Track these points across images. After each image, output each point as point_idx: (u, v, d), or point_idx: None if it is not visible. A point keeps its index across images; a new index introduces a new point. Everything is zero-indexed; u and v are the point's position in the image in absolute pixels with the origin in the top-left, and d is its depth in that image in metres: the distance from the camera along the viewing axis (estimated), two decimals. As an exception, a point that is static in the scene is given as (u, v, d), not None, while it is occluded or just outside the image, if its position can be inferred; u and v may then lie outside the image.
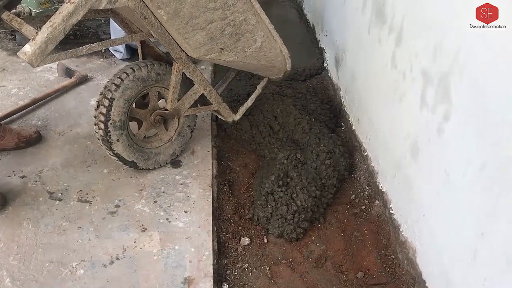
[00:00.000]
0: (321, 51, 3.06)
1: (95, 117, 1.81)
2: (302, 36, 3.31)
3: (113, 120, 1.78)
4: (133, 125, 2.00)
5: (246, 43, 1.77)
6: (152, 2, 1.49)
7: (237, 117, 2.12)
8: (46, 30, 1.38)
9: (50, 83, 2.60)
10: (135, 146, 1.92)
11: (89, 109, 2.41)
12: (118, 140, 1.83)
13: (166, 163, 2.07)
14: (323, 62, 2.98)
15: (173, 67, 1.78)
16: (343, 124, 2.52)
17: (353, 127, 2.38)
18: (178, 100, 1.91)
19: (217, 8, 1.59)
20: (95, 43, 1.87)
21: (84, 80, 2.62)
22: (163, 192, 1.97)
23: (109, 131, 1.80)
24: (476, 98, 1.29)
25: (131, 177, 2.03)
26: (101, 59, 2.86)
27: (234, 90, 2.59)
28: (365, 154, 2.21)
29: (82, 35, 3.04)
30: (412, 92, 1.69)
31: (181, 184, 2.01)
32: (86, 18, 1.64)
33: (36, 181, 1.97)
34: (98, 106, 1.79)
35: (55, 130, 2.27)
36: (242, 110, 2.14)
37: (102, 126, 1.79)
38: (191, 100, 1.94)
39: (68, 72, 2.63)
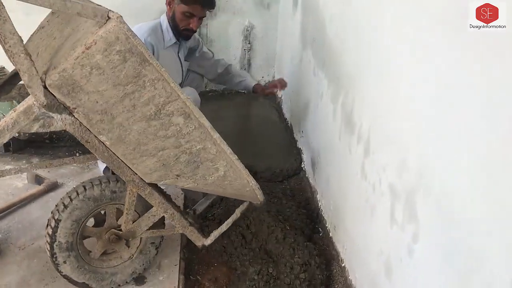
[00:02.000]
0: (299, 151, 3.03)
1: (45, 236, 1.72)
2: (281, 136, 3.31)
3: (59, 241, 1.68)
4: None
5: (206, 171, 1.63)
6: (92, 128, 1.41)
7: (207, 242, 1.91)
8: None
9: (18, 191, 2.52)
10: (87, 267, 1.79)
11: (55, 218, 2.31)
12: (65, 262, 1.72)
13: (126, 282, 1.92)
14: (301, 163, 2.95)
15: (127, 188, 1.69)
16: (320, 230, 2.42)
17: (330, 234, 2.28)
18: (133, 222, 1.79)
19: (169, 136, 1.48)
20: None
21: (54, 187, 2.55)
22: (123, 314, 1.81)
23: (55, 253, 1.69)
24: (442, 221, 1.21)
25: (90, 297, 1.88)
26: (74, 164, 2.80)
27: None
28: (343, 265, 2.08)
29: (58, 138, 3.02)
30: (382, 206, 1.62)
31: (143, 305, 1.86)
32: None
33: (-14, 305, 1.82)
34: (46, 225, 1.70)
35: (16, 243, 2.15)
36: (214, 235, 1.92)
37: (48, 247, 1.69)
38: (149, 223, 1.80)
39: (38, 179, 2.56)
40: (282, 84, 3.02)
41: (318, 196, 2.53)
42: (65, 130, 2.91)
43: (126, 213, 1.73)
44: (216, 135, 1.55)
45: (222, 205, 2.44)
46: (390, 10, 1.54)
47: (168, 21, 2.44)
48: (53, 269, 1.98)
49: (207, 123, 1.52)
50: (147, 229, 1.81)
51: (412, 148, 1.38)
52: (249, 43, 3.82)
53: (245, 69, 3.92)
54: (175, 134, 1.48)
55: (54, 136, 3.00)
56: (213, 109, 3.71)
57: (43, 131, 1.40)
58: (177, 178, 1.62)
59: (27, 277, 1.96)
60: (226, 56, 3.84)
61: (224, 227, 1.92)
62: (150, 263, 1.98)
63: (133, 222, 1.77)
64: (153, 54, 2.34)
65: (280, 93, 2.97)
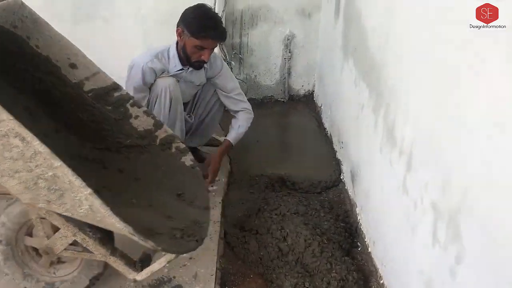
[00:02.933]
0: (338, 163, 2.99)
1: None
2: (320, 146, 3.28)
3: None
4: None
5: (73, 201, 1.45)
6: None
7: (138, 277, 1.74)
8: None
9: None
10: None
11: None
12: None
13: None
14: (340, 174, 2.90)
15: None
16: (359, 244, 2.36)
17: (369, 249, 2.23)
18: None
19: (15, 158, 1.36)
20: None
21: None
22: (159, 323, 1.83)
23: None
24: (489, 245, 1.16)
25: (128, 304, 1.91)
26: None
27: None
28: (381, 282, 2.02)
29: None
30: (423, 224, 1.57)
31: (179, 314, 1.87)
32: None
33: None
34: None
35: None
36: (146, 272, 1.74)
37: None
38: (63, 243, 1.70)
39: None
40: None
41: (357, 209, 2.48)
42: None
43: (36, 229, 1.71)
44: (57, 163, 1.37)
45: (259, 215, 2.44)
46: (434, 24, 1.50)
47: (179, 50, 2.44)
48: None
49: (43, 149, 1.35)
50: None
51: (457, 167, 1.33)
52: (289, 52, 3.81)
53: (285, 78, 3.91)
54: (20, 157, 1.36)
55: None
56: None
57: None
58: (49, 204, 1.49)
59: None
60: (266, 65, 3.86)
61: (157, 266, 1.73)
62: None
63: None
64: (153, 77, 2.39)
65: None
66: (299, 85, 4.01)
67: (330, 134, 3.30)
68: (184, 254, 2.15)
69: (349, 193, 2.68)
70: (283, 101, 4.01)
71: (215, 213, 2.49)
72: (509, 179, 1.07)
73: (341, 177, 2.88)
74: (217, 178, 2.79)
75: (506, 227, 1.09)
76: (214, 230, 2.35)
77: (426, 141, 1.56)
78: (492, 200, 1.14)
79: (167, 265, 1.90)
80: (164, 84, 2.42)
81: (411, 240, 1.69)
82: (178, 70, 2.48)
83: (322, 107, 3.67)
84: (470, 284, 1.25)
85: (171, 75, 2.45)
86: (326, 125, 3.47)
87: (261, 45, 3.81)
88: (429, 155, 1.53)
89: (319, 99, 3.81)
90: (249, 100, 3.94)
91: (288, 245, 2.18)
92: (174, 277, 2.05)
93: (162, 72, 2.42)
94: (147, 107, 2.50)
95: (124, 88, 2.08)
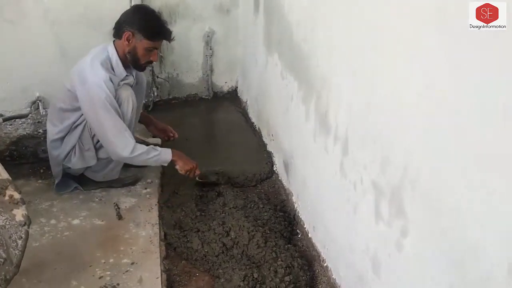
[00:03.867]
0: (270, 155, 3.04)
1: None
2: (249, 140, 3.32)
3: None
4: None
5: None
6: None
7: None
8: None
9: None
10: None
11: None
12: None
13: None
14: (273, 166, 2.96)
15: None
16: (298, 231, 2.43)
17: (309, 235, 2.30)
18: None
19: None
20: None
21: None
22: (108, 334, 1.75)
23: None
24: (431, 215, 1.25)
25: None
26: (40, 181, 2.69)
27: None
28: (325, 265, 2.10)
29: (20, 155, 2.89)
30: (365, 204, 1.65)
31: (128, 321, 1.80)
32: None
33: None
34: None
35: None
36: None
37: None
38: None
39: None
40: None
41: (293, 198, 2.55)
42: (26, 146, 2.79)
43: None
44: None
45: (198, 213, 2.42)
46: (367, 10, 1.57)
47: (121, 55, 2.37)
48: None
49: None
50: None
51: (395, 145, 1.41)
52: (210, 49, 3.80)
53: (207, 75, 3.89)
54: None
55: (15, 153, 2.86)
56: (177, 117, 3.67)
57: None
58: None
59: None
60: (188, 63, 3.82)
61: None
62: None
63: None
64: (115, 89, 2.31)
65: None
66: (223, 81, 4.01)
67: (259, 128, 3.35)
68: (125, 260, 2.09)
69: (284, 183, 2.74)
70: (208, 99, 3.98)
71: (153, 216, 2.44)
72: (446, 152, 1.16)
73: (274, 169, 2.94)
74: (149, 180, 2.73)
75: (445, 197, 1.18)
76: (153, 232, 2.30)
77: (362, 125, 1.64)
78: (432, 174, 1.23)
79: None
80: (127, 94, 2.37)
81: (353, 220, 1.77)
82: (124, 77, 2.41)
83: (247, 102, 3.71)
84: (416, 254, 1.34)
85: (125, 83, 2.40)
86: (254, 119, 3.51)
87: (181, 42, 3.74)
88: (366, 138, 1.61)
89: (244, 95, 3.84)
90: (173, 99, 3.92)
91: (232, 239, 2.19)
92: (118, 284, 1.98)
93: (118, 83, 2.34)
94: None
95: None
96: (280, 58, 2.68)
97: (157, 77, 3.66)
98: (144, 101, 2.91)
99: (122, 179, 2.65)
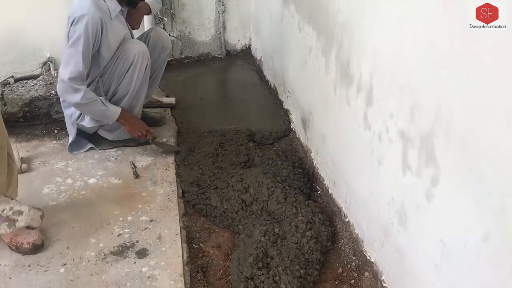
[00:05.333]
0: (286, 112, 2.97)
1: None
2: (265, 98, 3.24)
3: None
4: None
5: None
6: None
7: None
8: None
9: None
10: None
11: (42, 198, 2.19)
12: None
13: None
14: (290, 123, 2.88)
15: None
16: (318, 188, 2.38)
17: (330, 191, 2.25)
18: None
19: None
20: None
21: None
22: (129, 289, 1.74)
23: None
24: (467, 161, 1.18)
25: (92, 275, 1.80)
26: (54, 141, 2.66)
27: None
28: (346, 220, 2.06)
29: (33, 116, 2.85)
30: (391, 155, 1.58)
31: (149, 277, 1.78)
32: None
33: (-20, 292, 1.71)
34: None
35: (3, 226, 2.02)
36: None
37: None
38: None
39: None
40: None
41: (312, 154, 2.49)
42: (39, 107, 2.75)
43: None
44: None
45: (215, 171, 2.38)
46: None
47: None
48: (48, 249, 1.92)
49: None
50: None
51: (427, 89, 1.33)
52: (223, 5, 3.68)
53: (220, 33, 3.78)
54: None
55: (28, 114, 2.82)
56: (190, 76, 3.61)
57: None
58: None
59: (20, 260, 1.85)
60: (199, 20, 3.72)
61: None
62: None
63: None
64: (102, 28, 2.19)
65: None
66: (236, 39, 3.90)
67: (274, 85, 3.26)
68: (144, 218, 2.07)
69: (302, 140, 2.68)
70: (221, 57, 3.89)
71: (170, 174, 2.40)
72: (483, 92, 1.08)
73: (291, 126, 2.87)
74: (165, 139, 2.68)
75: (483, 141, 1.10)
76: (171, 190, 2.27)
77: (388, 72, 1.55)
78: (468, 116, 1.15)
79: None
80: (139, 50, 2.29)
81: (377, 172, 1.70)
82: (119, 12, 2.30)
83: (262, 59, 3.60)
84: (448, 203, 1.28)
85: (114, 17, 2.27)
86: (269, 77, 3.42)
87: (193, -2, 3.64)
88: (392, 85, 1.52)
89: (258, 52, 3.74)
90: (185, 58, 3.83)
91: (251, 195, 2.14)
92: (137, 241, 1.96)
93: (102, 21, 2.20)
94: (99, 76, 2.33)
95: None
96: (296, 9, 2.57)
97: (169, 35, 3.55)
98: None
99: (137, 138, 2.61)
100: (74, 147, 2.53)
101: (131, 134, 2.46)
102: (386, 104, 1.58)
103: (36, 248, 1.88)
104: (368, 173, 1.79)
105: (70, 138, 2.50)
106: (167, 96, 3.21)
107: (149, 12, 2.61)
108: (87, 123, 2.42)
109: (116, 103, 2.39)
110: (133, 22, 2.51)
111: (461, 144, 1.19)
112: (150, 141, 2.53)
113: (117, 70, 2.32)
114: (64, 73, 2.18)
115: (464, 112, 1.17)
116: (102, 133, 2.53)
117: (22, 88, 3.02)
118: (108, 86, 2.37)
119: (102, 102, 2.29)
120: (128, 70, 2.31)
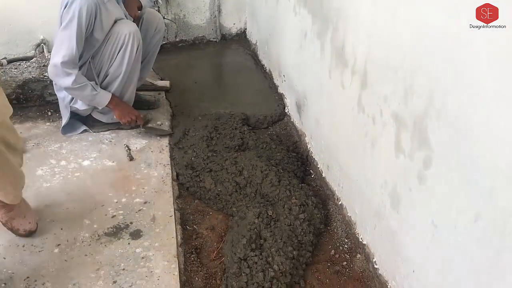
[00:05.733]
0: (281, 97, 2.97)
1: None
2: (260, 82, 3.23)
3: None
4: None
5: None
6: None
7: None
8: None
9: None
10: None
11: (36, 180, 2.19)
12: None
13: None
14: (284, 108, 2.89)
15: None
16: (312, 172, 2.39)
17: (323, 174, 2.26)
18: None
19: None
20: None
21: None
22: (123, 269, 1.75)
23: None
24: (459, 143, 1.19)
25: (86, 255, 1.81)
26: (48, 123, 2.65)
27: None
28: (339, 203, 2.07)
29: (26, 98, 2.83)
30: (384, 137, 1.59)
31: (143, 258, 1.80)
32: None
33: (-26, 272, 1.71)
34: None
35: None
36: None
37: None
38: None
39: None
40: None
41: (306, 139, 2.49)
42: (32, 89, 2.72)
43: None
44: None
45: (209, 154, 2.38)
46: None
47: None
48: (42, 230, 1.92)
49: None
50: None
51: (420, 71, 1.33)
52: (218, -12, 3.65)
53: (215, 16, 3.76)
54: None
55: (21, 96, 2.81)
56: (185, 59, 3.59)
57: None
58: None
59: (14, 240, 1.86)
60: (194, 3, 3.68)
61: None
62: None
63: None
64: (96, 11, 2.17)
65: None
66: (231, 23, 3.88)
67: (269, 70, 3.25)
68: (138, 200, 2.08)
69: (296, 124, 2.68)
70: (216, 41, 3.87)
71: (164, 157, 2.40)
72: (478, 73, 1.08)
73: (285, 111, 2.87)
74: (159, 122, 2.68)
75: (476, 123, 1.11)
76: (165, 172, 2.27)
77: (382, 55, 1.55)
78: (461, 100, 1.16)
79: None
80: (129, 31, 2.27)
81: (370, 155, 1.71)
82: None
83: (257, 43, 3.59)
84: (440, 185, 1.29)
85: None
86: (264, 61, 3.40)
87: (188, -18, 3.60)
88: (387, 69, 1.52)
89: (253, 36, 3.72)
90: (180, 41, 3.81)
91: (245, 178, 2.15)
92: (131, 222, 1.97)
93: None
94: (91, 58, 2.31)
95: None
96: (292, -7, 2.55)
97: (164, 18, 3.52)
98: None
99: (131, 121, 2.60)
100: (67, 129, 2.52)
101: (120, 120, 2.45)
102: (380, 87, 1.59)
103: (31, 234, 1.88)
104: (361, 157, 1.80)
105: (64, 121, 2.49)
106: (161, 79, 3.20)
107: (140, 6, 2.56)
108: (80, 105, 2.41)
109: (108, 86, 2.38)
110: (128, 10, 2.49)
111: (453, 126, 1.20)
112: (141, 126, 2.53)
113: (108, 51, 2.30)
114: (57, 56, 2.16)
115: (457, 94, 1.17)
116: (96, 115, 2.52)
117: (15, 70, 3.00)
118: (99, 67, 2.35)
119: (93, 87, 2.28)
120: (119, 51, 2.29)
